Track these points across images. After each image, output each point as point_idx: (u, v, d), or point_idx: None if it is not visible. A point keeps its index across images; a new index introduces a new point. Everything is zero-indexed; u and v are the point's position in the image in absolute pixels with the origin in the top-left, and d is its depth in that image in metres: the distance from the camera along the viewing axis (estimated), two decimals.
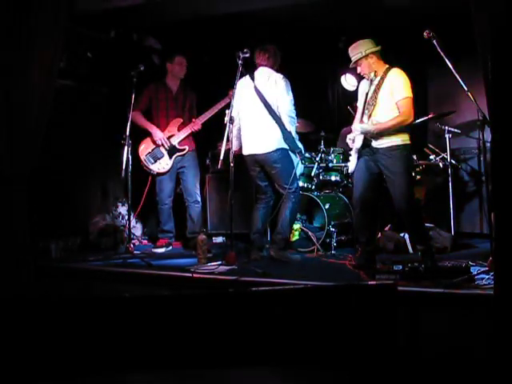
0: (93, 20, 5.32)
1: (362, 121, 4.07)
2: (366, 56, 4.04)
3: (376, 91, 4.03)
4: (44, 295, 4.15)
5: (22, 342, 2.24)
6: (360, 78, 4.40)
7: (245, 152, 4.75)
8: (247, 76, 4.72)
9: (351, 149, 4.21)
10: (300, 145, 4.74)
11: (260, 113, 4.64)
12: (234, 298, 2.38)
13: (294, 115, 4.70)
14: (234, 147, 4.68)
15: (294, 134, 4.69)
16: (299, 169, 5.00)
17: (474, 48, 3.22)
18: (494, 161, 2.82)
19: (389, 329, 2.26)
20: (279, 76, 4.68)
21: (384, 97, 4.00)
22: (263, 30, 5.55)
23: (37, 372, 2.22)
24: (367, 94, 4.11)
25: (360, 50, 4.06)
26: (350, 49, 4.14)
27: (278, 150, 4.60)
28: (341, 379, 2.27)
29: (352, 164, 4.18)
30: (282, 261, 4.53)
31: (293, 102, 4.69)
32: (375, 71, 4.08)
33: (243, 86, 4.74)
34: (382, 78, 4.03)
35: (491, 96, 2.94)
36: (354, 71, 6.08)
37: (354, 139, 4.11)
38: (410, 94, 3.97)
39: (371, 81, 4.13)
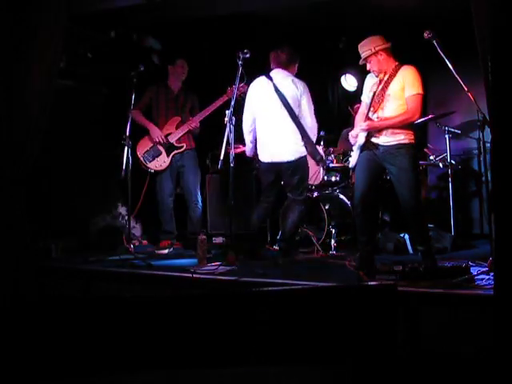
0: (93, 20, 5.33)
1: (367, 117, 4.02)
2: (376, 53, 3.96)
3: (384, 88, 3.96)
4: (44, 295, 4.15)
5: (22, 342, 2.24)
6: (361, 78, 4.39)
7: (263, 159, 4.61)
8: (263, 77, 4.57)
9: (353, 145, 4.18)
10: (321, 151, 4.69)
11: (281, 117, 4.48)
12: (234, 299, 2.38)
13: (316, 128, 4.65)
14: (248, 152, 4.71)
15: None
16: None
17: (474, 48, 3.22)
18: (494, 161, 2.82)
19: (389, 329, 2.26)
20: (301, 83, 4.55)
21: (393, 93, 3.92)
22: (263, 30, 5.56)
23: (37, 372, 2.22)
24: (375, 92, 4.07)
25: (370, 46, 3.97)
26: (359, 45, 4.03)
27: (299, 158, 4.52)
28: (341, 379, 2.27)
29: (353, 159, 4.14)
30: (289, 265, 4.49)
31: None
32: (384, 70, 3.99)
33: (260, 86, 4.59)
34: (392, 76, 3.95)
35: (491, 96, 2.94)
36: (354, 71, 6.16)
37: (358, 135, 4.09)
38: (421, 91, 3.91)
39: (379, 78, 4.06)
